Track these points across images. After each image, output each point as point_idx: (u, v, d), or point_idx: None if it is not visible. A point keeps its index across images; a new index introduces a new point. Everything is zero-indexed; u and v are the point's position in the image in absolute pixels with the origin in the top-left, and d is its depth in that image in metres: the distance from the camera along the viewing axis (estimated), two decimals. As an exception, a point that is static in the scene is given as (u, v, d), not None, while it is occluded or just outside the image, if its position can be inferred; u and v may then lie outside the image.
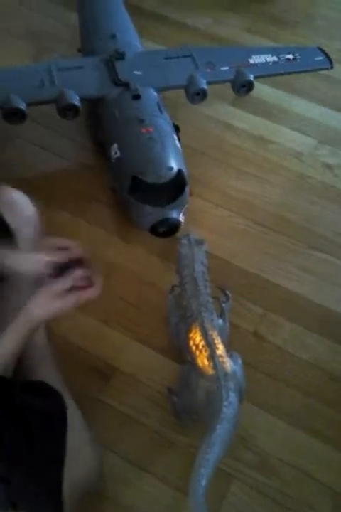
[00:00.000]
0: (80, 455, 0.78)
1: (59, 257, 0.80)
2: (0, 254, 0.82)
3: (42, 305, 0.77)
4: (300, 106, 1.50)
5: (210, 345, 0.82)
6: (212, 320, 0.87)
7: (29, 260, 0.82)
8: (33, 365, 0.88)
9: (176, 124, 1.25)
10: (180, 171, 1.11)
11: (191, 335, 0.86)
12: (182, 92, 1.26)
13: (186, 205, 1.13)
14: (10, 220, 0.93)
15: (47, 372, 0.86)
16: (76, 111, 1.17)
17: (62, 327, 0.99)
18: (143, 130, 1.13)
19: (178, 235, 1.10)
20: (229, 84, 1.30)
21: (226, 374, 0.79)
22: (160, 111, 1.20)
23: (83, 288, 0.78)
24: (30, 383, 0.85)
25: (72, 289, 0.77)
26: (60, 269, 0.79)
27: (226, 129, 1.43)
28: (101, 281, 0.79)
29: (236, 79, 1.27)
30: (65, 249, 0.81)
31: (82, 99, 1.18)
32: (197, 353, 0.83)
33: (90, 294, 0.78)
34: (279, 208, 1.27)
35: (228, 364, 0.82)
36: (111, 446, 0.90)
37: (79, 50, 1.47)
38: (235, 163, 1.35)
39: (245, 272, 1.15)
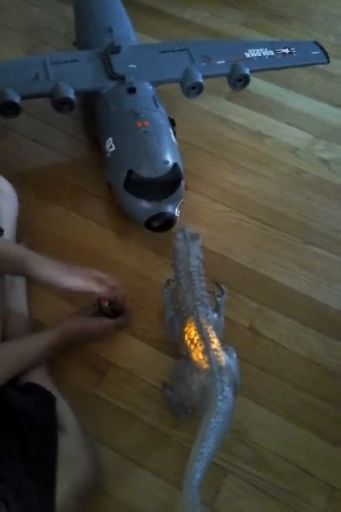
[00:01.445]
0: (75, 457, 0.78)
1: (105, 293, 0.92)
2: (56, 271, 0.89)
3: (80, 322, 0.90)
4: (297, 101, 1.50)
5: (205, 340, 0.82)
6: (207, 314, 0.87)
7: (77, 284, 0.90)
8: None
9: (172, 118, 1.24)
10: (175, 165, 1.10)
11: (186, 329, 0.86)
12: (177, 86, 1.25)
13: (182, 200, 1.13)
14: None
15: (37, 374, 0.86)
16: (71, 105, 1.16)
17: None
18: (139, 124, 1.12)
19: (173, 229, 1.09)
20: (225, 78, 1.29)
21: (220, 368, 0.79)
22: (156, 105, 1.20)
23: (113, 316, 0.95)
24: (19, 383, 0.85)
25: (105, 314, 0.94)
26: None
27: (222, 123, 1.42)
28: (126, 317, 0.99)
29: (233, 73, 1.26)
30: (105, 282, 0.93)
31: (76, 93, 1.17)
32: (192, 347, 0.83)
33: (118, 323, 0.97)
34: (275, 203, 1.27)
35: (223, 358, 0.81)
36: (107, 440, 0.89)
37: (75, 44, 1.46)
38: (231, 157, 1.35)
39: (240, 266, 1.15)
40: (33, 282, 1.01)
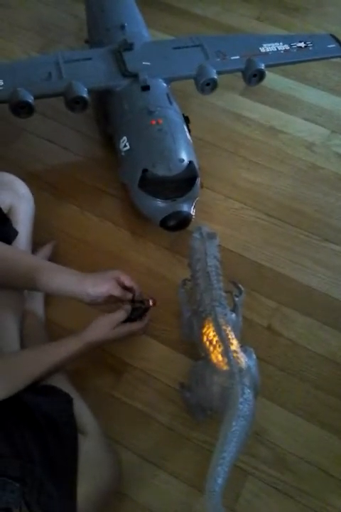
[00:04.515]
0: (97, 461, 0.77)
1: (123, 296, 0.91)
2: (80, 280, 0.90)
3: (101, 330, 0.88)
4: (312, 95, 1.47)
5: (224, 341, 0.81)
6: (226, 315, 0.86)
7: (98, 288, 0.90)
8: None
9: (186, 115, 1.22)
10: (190, 163, 1.09)
11: (204, 330, 0.85)
12: (191, 82, 1.24)
13: (197, 198, 1.12)
14: (7, 199, 0.98)
15: (54, 376, 0.85)
16: (84, 104, 1.16)
17: (74, 323, 0.98)
18: (153, 122, 1.11)
19: (189, 228, 1.08)
20: (239, 74, 1.27)
21: (241, 370, 0.78)
22: (170, 102, 1.18)
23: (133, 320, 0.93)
24: (38, 386, 0.84)
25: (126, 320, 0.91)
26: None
27: (236, 119, 1.41)
28: (147, 320, 0.95)
29: (247, 68, 1.25)
30: (124, 284, 0.92)
31: (90, 92, 1.16)
32: (211, 348, 0.82)
33: (138, 327, 0.93)
34: (291, 200, 1.25)
35: (242, 360, 0.80)
36: (125, 442, 0.89)
37: (87, 42, 1.45)
38: (246, 154, 1.33)
39: (257, 265, 1.13)
40: (46, 293, 1.01)
